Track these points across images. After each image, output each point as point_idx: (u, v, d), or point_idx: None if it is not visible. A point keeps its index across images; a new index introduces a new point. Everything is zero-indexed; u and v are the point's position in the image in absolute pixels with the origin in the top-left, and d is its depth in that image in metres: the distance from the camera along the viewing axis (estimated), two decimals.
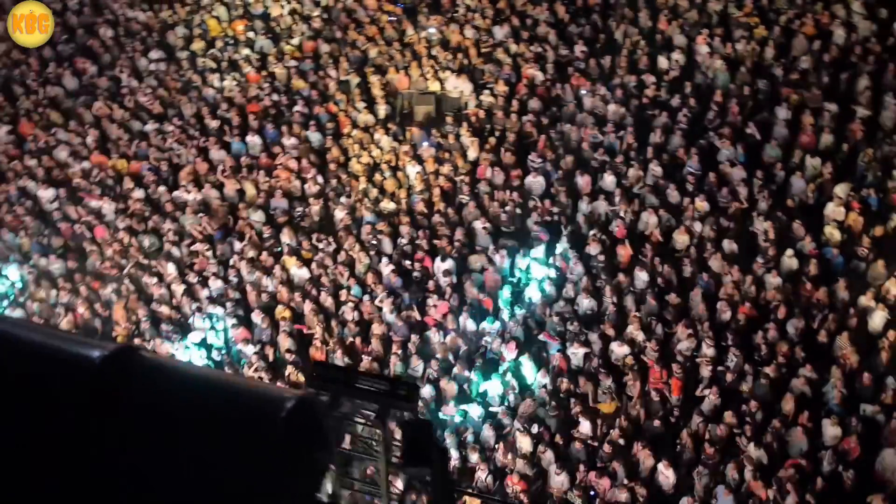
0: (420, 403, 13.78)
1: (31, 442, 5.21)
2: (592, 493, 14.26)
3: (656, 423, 15.16)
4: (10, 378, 5.53)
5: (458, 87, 22.16)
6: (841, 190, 18.34)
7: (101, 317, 18.03)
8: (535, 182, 19.36)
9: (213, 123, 21.73)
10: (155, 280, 18.18)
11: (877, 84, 20.58)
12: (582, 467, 14.48)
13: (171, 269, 18.29)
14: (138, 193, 20.05)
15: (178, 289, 17.93)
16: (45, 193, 20.15)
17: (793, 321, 16.15)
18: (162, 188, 20.12)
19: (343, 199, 19.57)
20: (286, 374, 16.12)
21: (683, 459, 14.67)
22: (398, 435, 6.57)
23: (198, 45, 23.93)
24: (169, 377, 6.57)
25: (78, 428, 5.45)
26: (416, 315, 17.08)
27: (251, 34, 24.38)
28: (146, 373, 6.34)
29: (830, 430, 14.46)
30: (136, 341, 16.92)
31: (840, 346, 15.80)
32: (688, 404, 15.49)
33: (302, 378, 16.01)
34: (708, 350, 15.95)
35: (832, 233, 17.60)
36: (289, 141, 21.10)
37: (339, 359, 16.11)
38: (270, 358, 16.67)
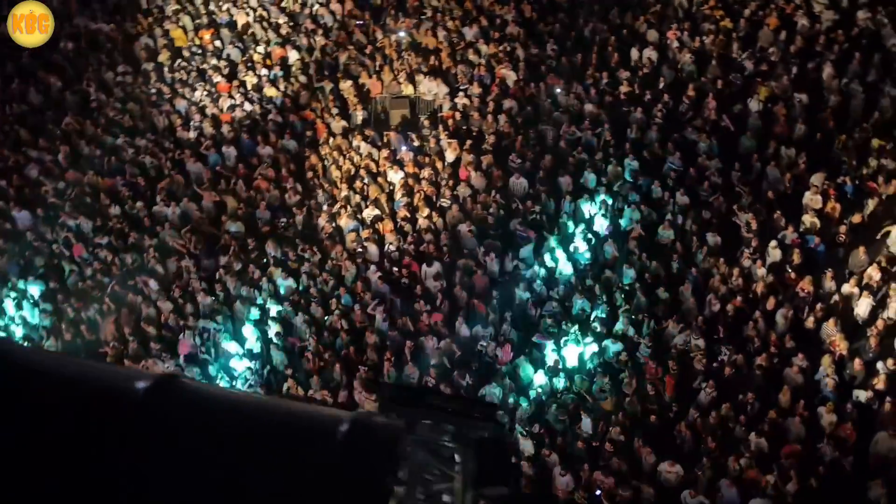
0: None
1: (86, 466, 5.15)
2: (598, 492, 14.38)
3: (653, 418, 15.32)
4: (64, 410, 5.43)
5: (431, 89, 22.14)
6: (817, 179, 18.66)
7: (83, 337, 17.69)
8: (518, 183, 19.41)
9: (187, 135, 21.45)
10: (140, 298, 17.93)
11: (842, 72, 20.97)
12: (586, 466, 14.59)
13: (156, 286, 18.02)
14: (115, 209, 19.70)
15: (165, 306, 17.69)
16: (20, 215, 19.71)
17: (781, 311, 16.43)
18: (140, 203, 19.79)
19: (325, 207, 19.44)
20: (285, 387, 15.99)
21: (684, 453, 14.84)
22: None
23: (164, 56, 23.58)
24: (215, 403, 6.47)
25: (127, 454, 5.38)
26: (408, 322, 17.04)
27: (218, 43, 24.08)
28: (190, 400, 6.24)
29: (826, 417, 14.74)
30: (126, 362, 16.68)
31: (828, 334, 16.12)
32: (684, 398, 15.68)
33: (301, 391, 15.93)
34: (700, 343, 16.19)
35: (812, 221, 17.91)
36: (265, 150, 20.92)
37: (339, 371, 16.09)
38: (264, 371, 16.53)
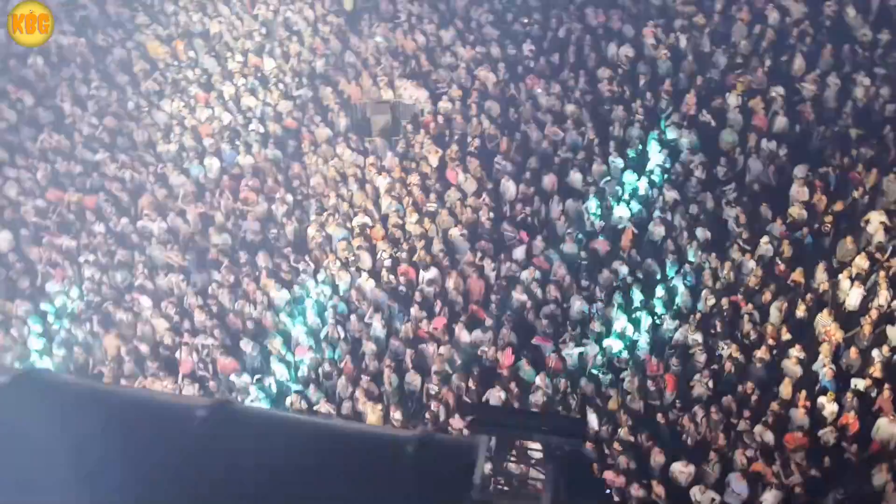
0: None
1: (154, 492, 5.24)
2: (608, 490, 14.48)
3: (658, 415, 15.45)
4: (136, 435, 5.50)
5: (412, 94, 22.10)
6: (800, 171, 18.95)
7: (74, 358, 17.41)
8: (509, 185, 19.46)
9: (168, 148, 21.20)
10: (132, 315, 17.70)
11: (815, 64, 21.32)
12: (595, 466, 14.67)
13: (148, 303, 17.80)
14: (99, 227, 19.39)
15: (159, 323, 17.47)
16: (1, 235, 19.31)
17: (776, 303, 16.67)
18: (125, 219, 19.51)
19: (313, 217, 19.33)
20: (288, 401, 15.90)
21: (691, 449, 14.99)
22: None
23: (139, 68, 23.25)
24: (275, 427, 6.49)
25: (193, 479, 5.48)
26: (409, 329, 17.02)
27: (192, 53, 23.78)
28: (250, 425, 6.27)
29: (828, 406, 15.00)
30: (123, 382, 16.50)
31: (822, 325, 16.38)
32: (686, 394, 15.85)
33: (304, 405, 15.85)
34: (698, 337, 16.37)
35: (799, 213, 18.19)
36: (248, 161, 20.74)
37: (345, 385, 16.09)
38: (266, 386, 16.41)
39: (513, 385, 15.75)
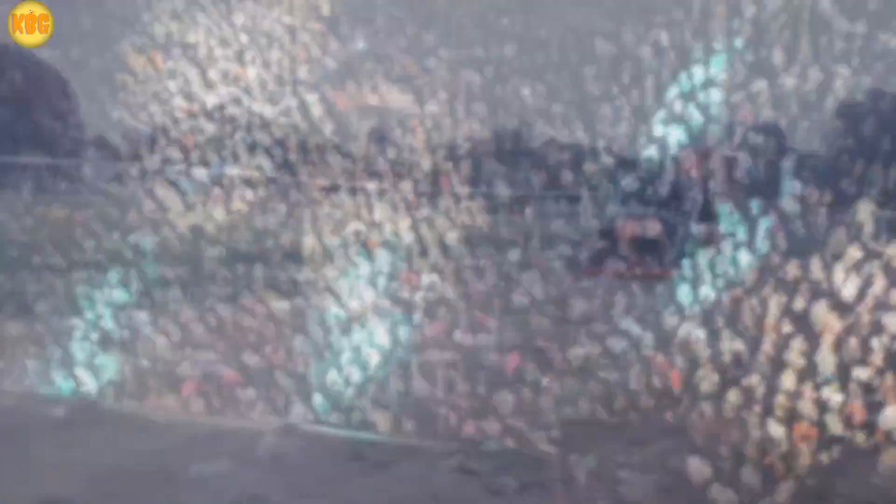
0: None
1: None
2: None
3: (668, 414, 15.59)
4: (204, 461, 5.79)
5: (398, 98, 22.01)
6: (788, 164, 19.16)
7: (75, 377, 17.21)
8: (501, 186, 19.49)
9: (154, 159, 20.95)
10: (129, 333, 17.52)
11: (794, 56, 21.58)
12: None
13: (148, 318, 17.62)
14: (91, 243, 19.14)
15: (159, 339, 17.29)
16: None
17: (774, 297, 16.87)
18: (116, 234, 19.26)
19: (308, 225, 19.23)
20: (296, 413, 15.82)
21: (703, 445, 15.14)
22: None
23: (119, 79, 22.94)
24: (339, 446, 6.88)
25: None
26: (413, 335, 17.01)
27: (170, 63, 23.50)
28: (316, 446, 6.65)
29: (833, 397, 15.22)
30: (125, 400, 16.34)
31: (820, 316, 16.61)
32: (693, 389, 16.00)
33: (312, 416, 15.78)
34: (700, 333, 16.53)
35: (792, 206, 18.40)
36: (236, 170, 20.56)
37: (353, 394, 16.03)
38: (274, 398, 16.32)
39: (524, 388, 15.78)
